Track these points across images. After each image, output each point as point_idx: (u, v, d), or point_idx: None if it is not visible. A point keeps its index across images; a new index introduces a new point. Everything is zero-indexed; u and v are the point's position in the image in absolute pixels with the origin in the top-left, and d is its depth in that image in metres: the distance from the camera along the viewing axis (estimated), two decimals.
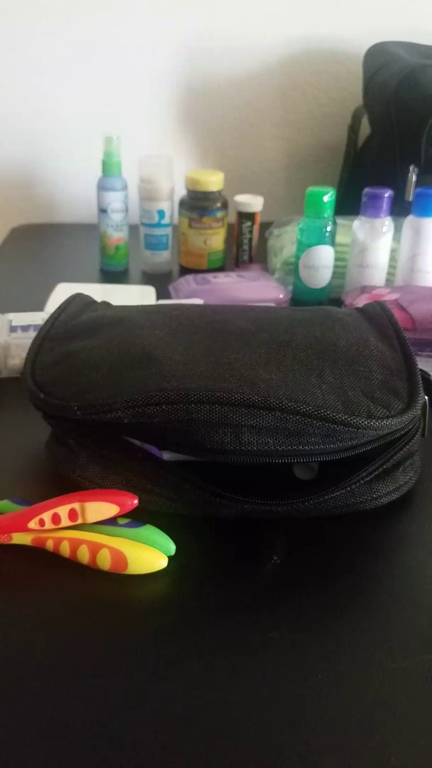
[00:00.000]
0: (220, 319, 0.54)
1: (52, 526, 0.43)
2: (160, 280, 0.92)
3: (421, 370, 0.49)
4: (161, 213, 0.94)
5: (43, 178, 1.19)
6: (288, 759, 0.33)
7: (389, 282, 0.85)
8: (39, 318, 0.69)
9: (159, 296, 0.84)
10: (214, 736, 0.33)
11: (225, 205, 0.95)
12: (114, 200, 0.92)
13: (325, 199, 0.79)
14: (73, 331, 0.54)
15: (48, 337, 0.53)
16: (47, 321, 0.56)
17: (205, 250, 0.96)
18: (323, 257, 0.81)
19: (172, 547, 0.44)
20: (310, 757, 0.33)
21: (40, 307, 0.77)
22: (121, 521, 0.45)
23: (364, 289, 0.78)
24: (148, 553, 0.43)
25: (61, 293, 0.80)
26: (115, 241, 0.95)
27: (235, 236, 0.97)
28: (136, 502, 0.44)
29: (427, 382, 0.49)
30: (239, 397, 0.43)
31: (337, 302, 0.82)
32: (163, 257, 0.97)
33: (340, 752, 0.33)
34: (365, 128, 1.09)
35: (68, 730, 0.34)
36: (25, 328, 0.67)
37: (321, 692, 0.36)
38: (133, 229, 0.97)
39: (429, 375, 0.51)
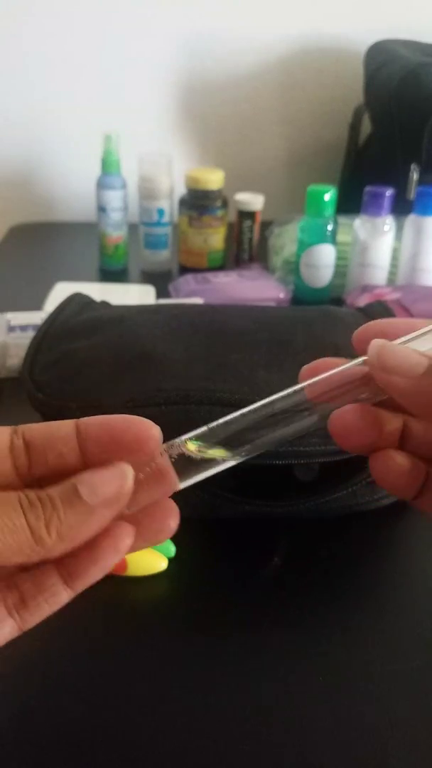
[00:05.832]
0: (220, 319, 0.53)
1: None
2: (159, 280, 0.91)
3: None
4: (161, 212, 0.94)
5: (41, 176, 1.18)
6: (288, 760, 0.32)
7: (391, 281, 0.85)
8: (37, 317, 0.69)
9: (158, 295, 0.84)
10: (213, 737, 0.33)
11: (225, 204, 0.95)
12: (113, 199, 0.92)
13: (326, 197, 0.79)
14: (72, 330, 0.53)
15: (47, 336, 0.53)
16: (46, 320, 0.55)
17: (205, 249, 0.96)
18: (324, 256, 0.81)
19: (172, 549, 0.44)
20: (309, 759, 0.32)
21: (38, 307, 0.77)
22: None
23: (366, 289, 0.77)
24: (148, 555, 0.42)
25: (59, 292, 0.80)
26: (115, 240, 0.95)
27: (235, 235, 0.97)
28: None
29: None
30: (239, 398, 0.43)
31: (339, 302, 0.82)
32: (163, 256, 0.97)
33: (340, 754, 0.33)
34: (366, 126, 1.09)
35: (67, 731, 0.33)
36: (23, 328, 0.67)
37: (321, 694, 0.36)
38: (132, 227, 0.97)
39: None
